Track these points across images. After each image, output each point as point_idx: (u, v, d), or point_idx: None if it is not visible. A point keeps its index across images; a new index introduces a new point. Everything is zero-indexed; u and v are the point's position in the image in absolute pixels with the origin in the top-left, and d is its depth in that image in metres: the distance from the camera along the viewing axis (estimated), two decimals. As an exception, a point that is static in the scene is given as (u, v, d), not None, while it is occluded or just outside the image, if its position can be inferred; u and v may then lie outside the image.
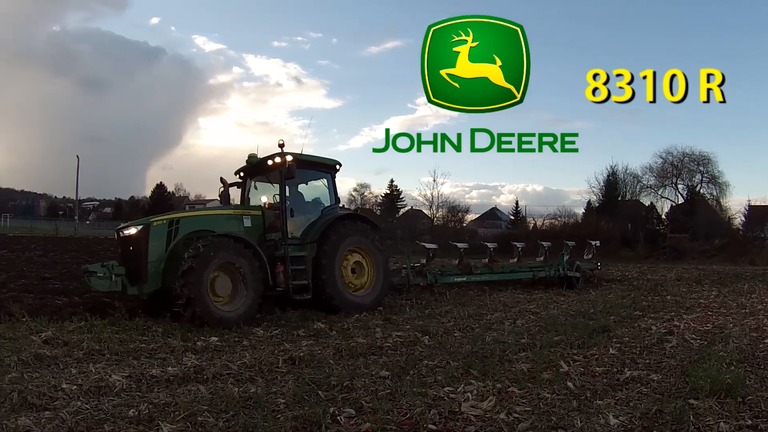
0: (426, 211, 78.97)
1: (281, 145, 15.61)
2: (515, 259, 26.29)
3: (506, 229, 76.65)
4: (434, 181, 72.36)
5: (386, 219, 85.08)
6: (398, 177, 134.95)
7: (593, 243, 28.19)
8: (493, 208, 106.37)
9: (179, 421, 6.67)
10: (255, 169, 16.74)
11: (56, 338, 11.00)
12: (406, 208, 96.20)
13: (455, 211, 77.54)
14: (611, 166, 76.21)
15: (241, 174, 17.26)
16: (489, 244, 26.13)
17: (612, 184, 75.87)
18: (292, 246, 15.28)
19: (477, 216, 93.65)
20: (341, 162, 17.20)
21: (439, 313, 15.93)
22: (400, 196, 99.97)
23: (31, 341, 10.70)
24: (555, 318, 14.52)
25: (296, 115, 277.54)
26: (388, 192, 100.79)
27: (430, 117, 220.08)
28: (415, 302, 17.85)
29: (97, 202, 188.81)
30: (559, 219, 70.44)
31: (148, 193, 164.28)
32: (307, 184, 17.25)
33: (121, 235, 14.40)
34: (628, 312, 15.99)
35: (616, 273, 31.42)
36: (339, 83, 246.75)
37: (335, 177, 17.19)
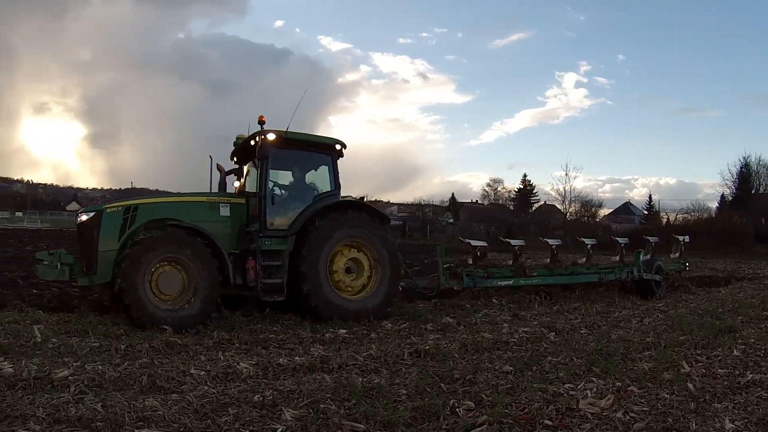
0: (559, 206, 77.43)
1: (261, 122, 13.71)
2: (584, 259, 21.15)
3: (640, 224, 75.00)
4: (566, 175, 71.25)
5: (519, 214, 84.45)
6: (531, 171, 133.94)
7: (681, 239, 24.23)
8: (626, 202, 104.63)
9: (302, 408, 6.92)
10: (245, 152, 14.76)
11: (188, 328, 11.59)
12: (539, 203, 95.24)
13: (588, 206, 76.30)
14: (744, 158, 73.55)
15: (235, 159, 15.54)
16: (551, 241, 21.21)
17: (745, 176, 73.09)
18: (270, 239, 13.33)
19: (610, 211, 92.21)
20: (344, 142, 14.77)
21: (567, 309, 15.69)
22: (533, 191, 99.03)
23: (163, 330, 11.26)
24: (682, 317, 14.08)
25: (427, 110, 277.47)
26: (521, 187, 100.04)
27: (560, 110, 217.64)
28: (544, 298, 17.40)
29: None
30: (692, 214, 67.87)
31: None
32: (300, 167, 15.03)
33: (77, 221, 13.18)
34: (756, 312, 15.00)
35: (747, 271, 29.99)
36: (467, 78, 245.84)
37: (337, 160, 14.73)
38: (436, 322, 13.06)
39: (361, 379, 8.20)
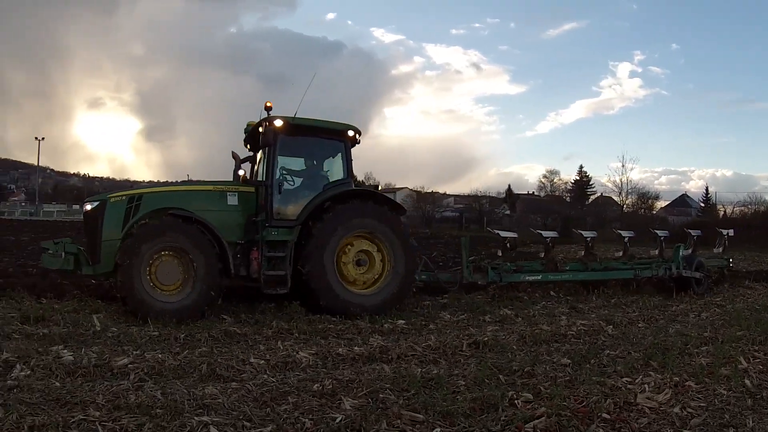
0: (615, 198, 76.94)
1: (268, 108, 13.16)
2: (620, 253, 20.12)
3: (697, 217, 73.89)
4: (623, 166, 70.58)
5: (576, 206, 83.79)
6: (586, 162, 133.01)
7: (725, 233, 22.00)
8: (682, 194, 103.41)
9: (361, 397, 6.91)
10: (255, 139, 14.06)
11: (247, 317, 11.73)
12: (596, 195, 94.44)
13: (645, 198, 75.70)
14: (801, 148, 71.77)
15: (249, 146, 15.28)
16: (585, 233, 19.83)
17: (803, 167, 71.11)
18: (277, 229, 12.86)
19: (667, 203, 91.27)
20: (359, 129, 14.15)
21: (625, 302, 15.44)
22: (590, 183, 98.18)
23: (222, 320, 11.39)
24: (740, 312, 13.82)
25: (481, 102, 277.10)
26: (578, 178, 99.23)
27: (615, 100, 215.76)
28: (602, 291, 16.95)
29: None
30: (749, 206, 65.89)
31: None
32: (310, 155, 14.41)
33: (83, 210, 13.14)
34: (815, 307, 14.57)
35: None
36: (521, 68, 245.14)
37: (351, 147, 14.09)
38: (494, 314, 12.93)
39: (419, 369, 8.14)
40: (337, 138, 13.90)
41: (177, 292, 11.69)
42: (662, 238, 19.83)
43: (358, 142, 14.30)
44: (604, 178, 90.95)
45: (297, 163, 14.41)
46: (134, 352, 8.54)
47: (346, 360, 8.64)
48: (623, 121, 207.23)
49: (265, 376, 7.68)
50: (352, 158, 14.04)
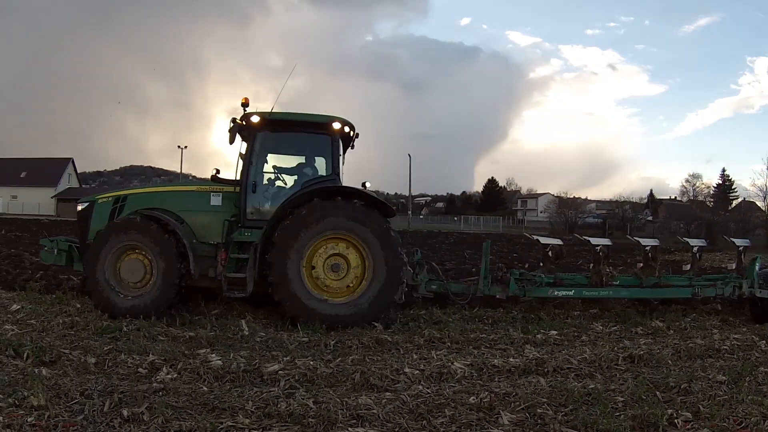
0: (759, 204, 73.23)
1: (244, 104, 12.53)
2: (688, 266, 16.42)
3: None
4: (767, 169, 67.76)
5: (718, 212, 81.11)
6: (729, 165, 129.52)
7: None
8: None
9: (519, 412, 6.67)
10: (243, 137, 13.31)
11: (398, 325, 11.62)
12: (738, 200, 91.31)
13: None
14: None
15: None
16: (644, 242, 15.75)
17: None
18: (250, 230, 12.30)
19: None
20: (348, 121, 13.08)
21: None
22: (732, 187, 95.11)
23: (373, 327, 11.24)
24: None
25: (620, 103, 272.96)
26: (720, 182, 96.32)
27: (755, 98, 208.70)
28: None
29: (429, 198, 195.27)
30: None
31: (477, 187, 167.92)
32: (294, 151, 13.85)
33: (76, 210, 13.46)
34: None
35: None
36: (659, 67, 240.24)
37: (338, 141, 13.13)
38: (646, 326, 12.38)
39: (576, 383, 7.84)
40: (322, 132, 13.01)
41: (139, 289, 11.79)
42: (741, 249, 16.24)
43: (352, 136, 13.64)
44: (747, 181, 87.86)
45: (280, 161, 13.79)
46: (284, 359, 8.53)
47: (501, 372, 8.39)
48: (764, 120, 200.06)
49: (420, 386, 7.51)
50: (341, 153, 13.25)
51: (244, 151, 12.82)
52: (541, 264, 14.64)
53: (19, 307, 11.97)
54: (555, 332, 11.29)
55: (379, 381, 7.67)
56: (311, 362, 8.25)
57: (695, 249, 15.49)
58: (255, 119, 12.52)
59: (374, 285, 11.77)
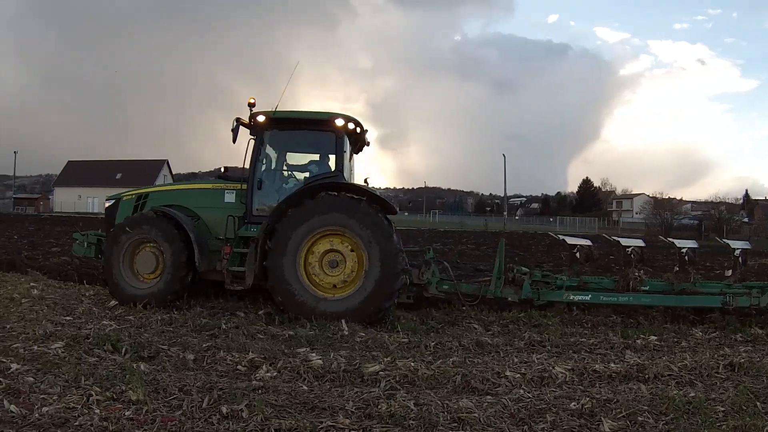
0: None
1: (251, 104, 13.07)
2: (729, 272, 15.33)
3: None
4: None
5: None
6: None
7: None
8: None
9: (620, 419, 6.60)
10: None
11: (498, 327, 11.59)
12: None
13: None
14: None
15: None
16: (679, 243, 15.88)
17: None
18: (256, 226, 12.74)
19: None
20: (352, 117, 13.33)
21: None
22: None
23: (473, 329, 11.29)
24: None
25: (713, 99, 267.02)
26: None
27: None
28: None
29: (524, 199, 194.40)
30: None
31: (571, 188, 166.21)
32: (299, 149, 14.48)
33: (105, 207, 14.64)
34: None
35: None
36: (749, 61, 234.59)
37: (343, 137, 13.31)
38: (746, 333, 11.97)
39: (677, 391, 7.67)
40: (325, 129, 13.30)
41: (151, 280, 12.71)
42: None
43: (359, 132, 13.89)
44: None
45: (289, 158, 14.42)
46: (385, 359, 8.61)
47: (602, 377, 8.31)
48: None
49: (521, 390, 7.48)
50: (345, 150, 13.45)
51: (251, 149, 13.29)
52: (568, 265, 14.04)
53: (116, 303, 12.53)
54: (654, 338, 11.10)
55: (480, 384, 7.65)
56: (412, 363, 8.30)
57: (737, 252, 14.69)
58: (261, 118, 13.08)
59: (369, 280, 11.92)
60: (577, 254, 14.89)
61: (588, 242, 15.28)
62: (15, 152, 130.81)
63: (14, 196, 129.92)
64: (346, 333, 10.49)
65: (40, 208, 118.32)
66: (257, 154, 13.23)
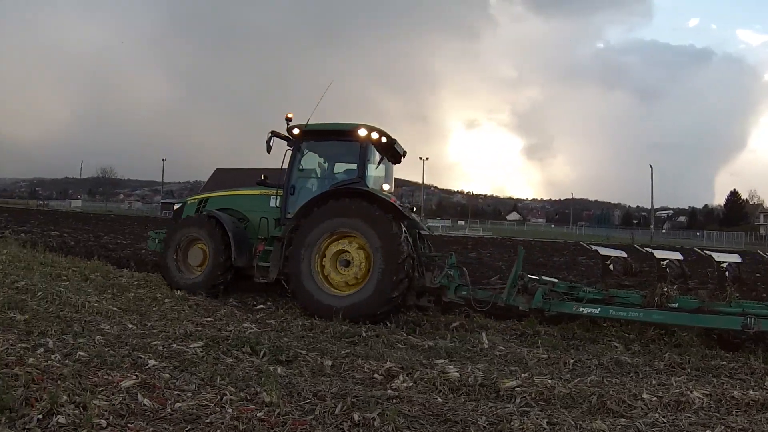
0: None
1: (288, 119, 14.55)
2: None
3: None
4: None
5: None
6: None
7: None
8: None
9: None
10: None
11: (639, 346, 11.41)
12: None
13: None
14: None
15: None
16: (717, 257, 13.90)
17: None
18: (284, 226, 14.09)
19: None
20: (375, 127, 14.09)
21: None
22: None
23: (614, 347, 11.17)
24: None
25: None
26: None
27: None
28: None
29: (671, 211, 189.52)
30: None
31: (718, 200, 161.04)
32: (329, 157, 15.27)
33: (173, 209, 17.48)
34: None
35: None
36: None
37: (367, 146, 14.14)
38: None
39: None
40: (350, 138, 14.20)
41: (200, 271, 14.71)
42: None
43: (385, 142, 14.64)
44: None
45: (321, 167, 15.42)
46: (522, 375, 8.59)
47: (740, 405, 7.95)
48: None
49: (656, 415, 7.30)
50: (369, 158, 14.30)
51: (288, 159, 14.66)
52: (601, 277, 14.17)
53: (263, 306, 13.37)
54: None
55: (616, 405, 7.53)
56: (549, 380, 8.21)
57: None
58: (296, 131, 14.47)
59: (372, 280, 12.70)
60: (611, 266, 14.58)
61: (623, 254, 14.92)
62: (163, 160, 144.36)
63: (162, 201, 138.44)
64: (486, 346, 10.58)
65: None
66: (292, 162, 14.61)
